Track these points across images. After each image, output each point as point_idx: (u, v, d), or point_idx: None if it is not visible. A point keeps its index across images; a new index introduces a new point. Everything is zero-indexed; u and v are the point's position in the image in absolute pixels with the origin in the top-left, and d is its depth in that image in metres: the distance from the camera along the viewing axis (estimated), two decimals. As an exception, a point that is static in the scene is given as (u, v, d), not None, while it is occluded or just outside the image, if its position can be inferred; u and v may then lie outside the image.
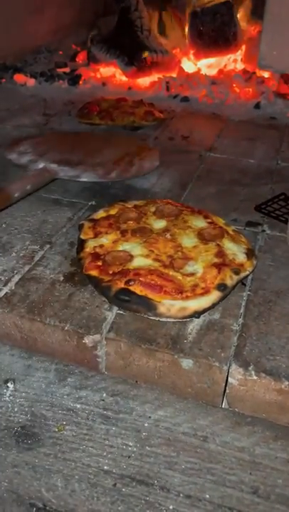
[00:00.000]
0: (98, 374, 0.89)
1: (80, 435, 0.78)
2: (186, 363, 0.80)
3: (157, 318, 0.86)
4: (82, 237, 1.07)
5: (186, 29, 2.41)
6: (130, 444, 0.77)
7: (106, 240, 1.05)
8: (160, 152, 1.52)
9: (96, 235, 1.08)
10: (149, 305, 0.85)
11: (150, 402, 0.84)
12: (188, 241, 1.03)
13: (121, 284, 0.89)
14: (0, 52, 2.60)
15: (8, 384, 0.86)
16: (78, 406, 0.83)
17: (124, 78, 2.40)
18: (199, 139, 1.76)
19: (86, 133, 1.74)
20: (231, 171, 1.49)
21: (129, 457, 0.75)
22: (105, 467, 0.74)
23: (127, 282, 0.89)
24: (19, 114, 1.96)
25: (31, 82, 2.37)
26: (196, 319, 0.87)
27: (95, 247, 1.03)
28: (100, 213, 1.16)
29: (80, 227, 1.11)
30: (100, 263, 0.98)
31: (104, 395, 0.85)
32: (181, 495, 0.70)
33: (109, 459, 0.75)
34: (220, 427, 0.80)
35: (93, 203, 1.29)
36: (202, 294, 0.88)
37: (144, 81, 2.36)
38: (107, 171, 1.35)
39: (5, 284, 0.95)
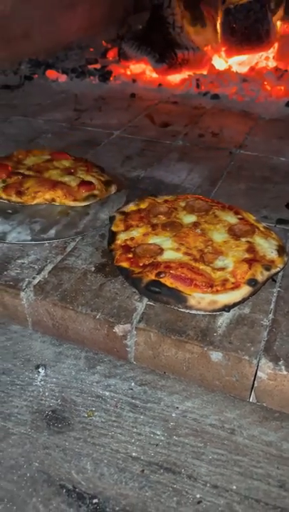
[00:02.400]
0: (127, 363, 0.90)
1: (108, 422, 0.80)
2: (216, 356, 0.81)
3: (187, 311, 0.87)
4: (114, 229, 1.09)
5: (219, 26, 2.40)
6: (158, 432, 0.79)
7: (136, 233, 1.06)
8: (189, 149, 1.52)
9: (127, 228, 1.09)
10: (179, 297, 0.86)
11: (178, 393, 0.85)
12: (218, 236, 1.03)
13: (152, 276, 0.91)
14: (33, 48, 2.65)
15: (40, 369, 0.89)
16: (107, 393, 0.85)
17: (154, 75, 2.41)
18: (229, 136, 1.75)
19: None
20: (262, 169, 1.49)
21: (156, 445, 0.77)
22: (133, 454, 0.75)
23: (157, 274, 0.90)
24: (51, 109, 2.00)
25: (63, 78, 2.40)
26: (226, 313, 0.87)
27: (125, 239, 1.05)
28: (131, 207, 1.18)
29: (112, 219, 1.13)
30: (130, 255, 0.99)
31: (133, 384, 0.87)
32: (208, 485, 0.71)
33: (137, 446, 0.77)
34: (247, 421, 0.80)
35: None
36: (232, 289, 0.88)
37: (175, 78, 2.36)
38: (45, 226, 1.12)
39: (38, 273, 0.97)
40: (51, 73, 2.42)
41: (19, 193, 1.19)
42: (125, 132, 1.77)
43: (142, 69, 2.47)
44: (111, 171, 1.39)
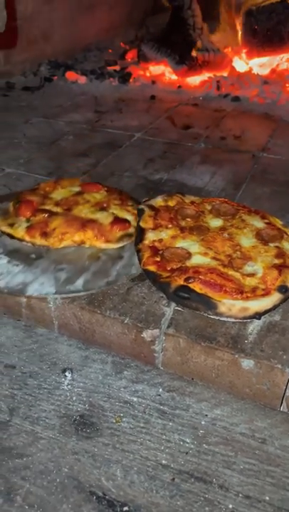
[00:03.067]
0: (154, 369, 0.90)
1: (137, 428, 0.79)
2: (247, 363, 0.79)
3: (217, 317, 0.86)
4: (142, 225, 1.07)
5: (240, 28, 2.39)
6: (187, 440, 0.78)
7: (165, 235, 1.05)
8: (212, 152, 1.51)
9: (156, 227, 1.08)
10: (209, 303, 0.85)
11: (207, 400, 0.84)
12: (246, 241, 1.02)
13: (180, 281, 0.90)
14: (52, 49, 2.66)
15: (66, 373, 0.88)
16: (135, 399, 0.84)
17: (173, 77, 2.40)
18: (251, 138, 1.74)
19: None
20: (286, 172, 1.47)
21: (186, 453, 0.76)
22: (163, 461, 0.74)
23: (186, 279, 0.89)
24: (71, 111, 2.00)
25: (82, 79, 2.41)
26: (256, 320, 0.86)
27: (154, 240, 1.04)
28: (159, 201, 1.16)
29: (140, 212, 1.11)
30: (158, 258, 0.98)
31: (161, 390, 0.86)
32: (240, 495, 0.70)
33: (166, 453, 0.76)
34: (279, 430, 0.79)
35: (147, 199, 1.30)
36: (263, 296, 0.87)
37: (194, 80, 2.35)
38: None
39: (65, 276, 0.96)
40: (71, 75, 2.43)
41: (44, 235, 1.04)
42: (146, 134, 1.76)
43: (161, 71, 2.46)
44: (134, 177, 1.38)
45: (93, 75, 2.46)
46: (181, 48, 2.31)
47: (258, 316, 0.84)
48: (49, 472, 0.73)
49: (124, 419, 0.81)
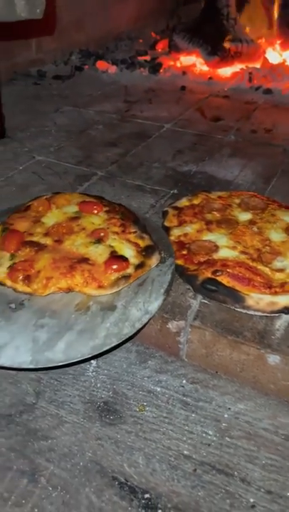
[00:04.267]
0: (178, 360, 0.90)
1: (160, 417, 0.80)
2: (273, 359, 0.79)
3: (244, 311, 0.85)
4: (167, 224, 1.08)
5: (274, 18, 2.33)
6: (210, 432, 0.78)
7: (190, 229, 1.05)
8: (242, 145, 1.49)
9: (180, 224, 1.08)
10: (236, 297, 0.84)
11: (230, 393, 0.84)
12: (276, 236, 1.00)
13: (208, 274, 0.89)
14: (83, 38, 2.66)
15: (91, 360, 0.89)
16: (158, 389, 0.85)
17: (204, 68, 2.37)
18: (283, 133, 1.70)
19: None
20: None
21: (208, 445, 0.76)
22: (185, 452, 0.75)
23: (214, 272, 0.88)
24: (101, 100, 2.00)
25: (113, 69, 2.40)
26: (284, 315, 0.85)
27: (179, 235, 1.04)
28: (183, 201, 1.16)
29: (164, 214, 1.12)
30: (184, 252, 0.98)
31: (184, 381, 0.86)
32: (262, 490, 0.70)
33: (189, 444, 0.76)
34: (303, 428, 0.78)
35: (175, 191, 1.29)
36: (292, 291, 0.85)
37: (225, 71, 2.31)
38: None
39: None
40: (101, 64, 2.42)
41: (27, 279, 0.88)
42: (176, 125, 1.75)
43: (192, 61, 2.43)
44: (162, 168, 1.37)
45: (124, 64, 2.45)
46: (213, 39, 2.28)
47: (286, 310, 0.83)
48: (73, 455, 0.74)
49: (147, 408, 0.81)
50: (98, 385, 0.85)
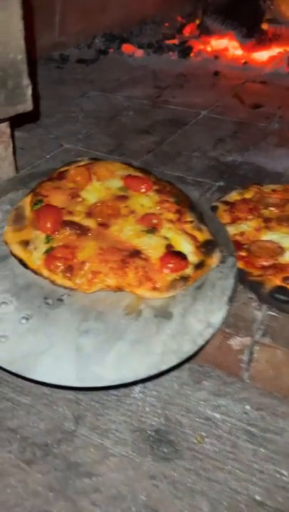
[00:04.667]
0: (239, 381, 0.77)
1: (223, 452, 0.67)
2: None
3: None
4: (218, 221, 0.94)
5: (316, -2, 2.16)
6: (284, 473, 0.65)
7: (247, 227, 0.92)
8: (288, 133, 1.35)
9: (234, 220, 0.95)
10: (313, 310, 0.71)
11: (304, 424, 0.71)
12: None
13: (276, 281, 0.76)
14: (108, 22, 2.52)
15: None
16: (218, 416, 0.72)
17: (238, 52, 2.21)
18: None
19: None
20: None
21: (283, 488, 0.63)
22: (257, 497, 0.62)
23: (285, 279, 0.75)
24: (129, 85, 1.87)
25: (139, 53, 2.26)
26: None
27: (234, 234, 0.90)
28: (234, 195, 1.03)
29: (214, 209, 0.98)
30: (243, 253, 0.85)
31: (248, 407, 0.73)
32: None
33: (260, 487, 0.63)
34: None
35: (221, 183, 1.16)
36: None
37: (262, 55, 2.16)
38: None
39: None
40: (127, 48, 2.29)
41: (69, 271, 0.75)
42: (213, 112, 1.61)
43: (224, 45, 2.28)
44: (206, 159, 1.24)
45: (150, 48, 2.31)
46: (249, 20, 2.12)
47: None
48: (123, 498, 0.62)
49: (206, 440, 0.69)
50: (147, 409, 0.73)
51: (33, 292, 0.76)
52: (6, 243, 0.82)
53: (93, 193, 0.89)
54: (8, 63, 0.84)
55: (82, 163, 0.96)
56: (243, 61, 2.12)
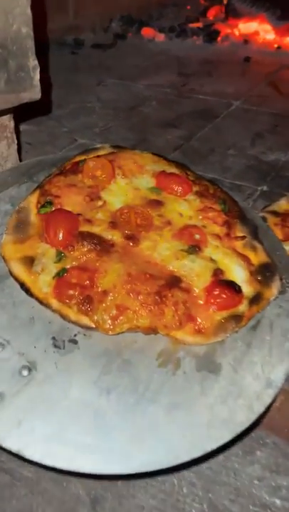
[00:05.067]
0: (302, 452, 0.60)
1: None
2: None
3: None
4: (268, 237, 0.76)
5: None
6: None
7: (306, 246, 0.73)
8: None
9: (287, 237, 0.77)
10: None
11: None
12: None
13: None
14: (125, 3, 2.32)
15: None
16: (278, 503, 0.55)
17: (269, 36, 2.01)
18: None
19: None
20: None
21: None
22: None
23: None
24: (151, 72, 1.68)
25: (160, 37, 2.07)
26: None
27: (290, 254, 0.72)
28: (283, 204, 0.86)
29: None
30: (305, 281, 0.67)
31: None
32: None
33: None
34: None
35: (264, 188, 0.98)
36: None
37: (297, 40, 1.95)
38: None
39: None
40: (147, 32, 2.10)
41: (87, 303, 0.57)
42: (247, 103, 1.42)
43: (254, 28, 2.07)
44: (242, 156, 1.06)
45: (172, 32, 2.12)
46: (283, 1, 1.91)
47: None
48: None
49: (266, 540, 0.52)
50: (184, 490, 0.56)
51: (38, 330, 0.59)
52: (4, 259, 0.64)
53: (118, 194, 0.70)
54: (11, 38, 0.65)
55: (102, 152, 0.78)
56: (276, 46, 1.92)
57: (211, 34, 2.04)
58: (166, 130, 1.24)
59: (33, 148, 1.10)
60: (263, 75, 1.66)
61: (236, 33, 2.10)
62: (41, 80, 0.80)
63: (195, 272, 0.61)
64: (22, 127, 1.14)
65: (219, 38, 2.03)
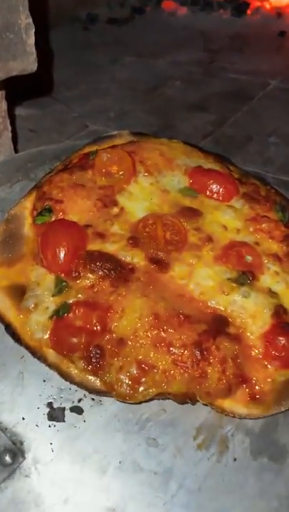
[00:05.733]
0: None
1: None
2: None
3: None
4: None
5: None
6: None
7: None
8: None
9: None
10: None
11: None
12: None
13: None
14: (143, -26, 2.11)
15: None
16: None
17: (306, 8, 1.78)
18: None
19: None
20: None
21: None
22: None
23: None
24: (173, 49, 1.49)
25: (182, 10, 1.87)
26: None
27: None
28: None
29: None
30: None
31: None
32: None
33: None
34: None
35: None
36: None
37: None
38: None
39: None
40: (168, 5, 1.89)
41: (97, 356, 0.42)
42: (286, 82, 1.22)
43: (287, 1, 1.85)
44: None
45: (196, 5, 1.90)
46: None
47: None
48: None
49: None
50: None
51: (28, 392, 0.43)
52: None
53: (139, 198, 0.54)
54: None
55: (119, 141, 0.61)
56: (314, 19, 1.69)
57: (239, 7, 1.83)
58: (194, 114, 1.06)
59: (37, 137, 0.93)
60: (302, 51, 1.45)
61: (267, 6, 1.88)
62: (41, 52, 0.62)
63: (248, 311, 0.44)
64: (23, 112, 0.97)
65: (249, 11, 1.81)
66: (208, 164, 0.60)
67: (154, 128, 0.99)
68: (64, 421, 0.40)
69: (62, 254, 0.46)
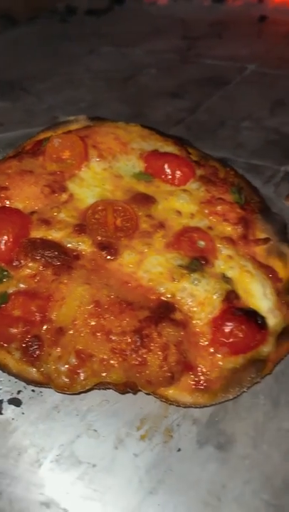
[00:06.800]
0: None
1: None
2: None
3: None
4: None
5: None
6: None
7: None
8: None
9: None
10: None
11: None
12: None
13: None
14: None
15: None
16: None
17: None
18: None
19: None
20: None
21: None
22: None
23: None
24: (152, 37, 1.46)
25: (163, 0, 1.83)
26: None
27: None
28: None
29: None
30: None
31: None
32: None
33: None
34: None
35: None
36: None
37: None
38: None
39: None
40: (148, -6, 1.85)
41: (35, 346, 0.40)
42: (264, 66, 1.20)
43: (270, -15, 1.81)
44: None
45: (177, -6, 1.87)
46: None
47: None
48: None
49: None
50: None
51: None
52: None
53: (90, 184, 0.52)
54: None
55: (75, 126, 0.60)
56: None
57: (220, -7, 1.80)
58: (167, 101, 1.04)
59: (4, 130, 0.91)
60: (281, 35, 1.43)
61: (249, -9, 1.85)
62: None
63: (198, 297, 0.42)
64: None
65: (230, -2, 1.78)
66: (166, 147, 0.58)
67: (126, 117, 0.95)
68: (1, 413, 0.39)
69: (2, 243, 0.45)
